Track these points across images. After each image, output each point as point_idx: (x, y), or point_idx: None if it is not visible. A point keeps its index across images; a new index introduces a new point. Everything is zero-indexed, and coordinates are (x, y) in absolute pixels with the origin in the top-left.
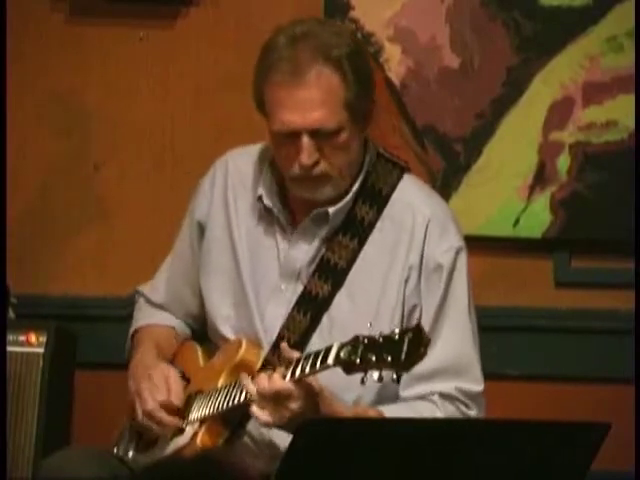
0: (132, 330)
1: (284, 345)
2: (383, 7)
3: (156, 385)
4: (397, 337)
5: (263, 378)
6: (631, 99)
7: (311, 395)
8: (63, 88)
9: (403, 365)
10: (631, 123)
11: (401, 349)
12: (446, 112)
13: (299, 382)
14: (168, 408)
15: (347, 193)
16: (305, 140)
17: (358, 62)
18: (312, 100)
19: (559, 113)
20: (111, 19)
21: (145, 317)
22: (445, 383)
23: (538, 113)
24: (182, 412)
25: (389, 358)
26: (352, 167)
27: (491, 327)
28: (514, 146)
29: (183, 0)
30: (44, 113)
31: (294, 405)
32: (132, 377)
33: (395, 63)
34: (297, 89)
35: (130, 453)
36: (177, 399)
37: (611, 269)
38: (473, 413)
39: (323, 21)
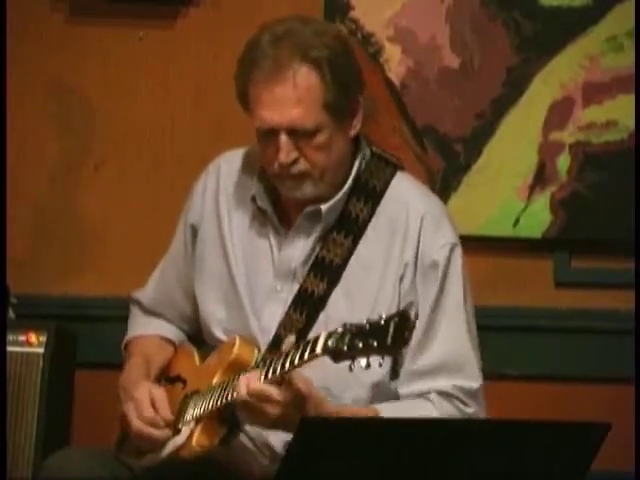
0: (124, 341)
1: (287, 340)
2: (383, 7)
3: (140, 402)
4: (383, 322)
5: (242, 382)
6: (631, 99)
7: (298, 398)
8: (63, 88)
9: (389, 350)
10: (631, 123)
11: (387, 334)
12: (446, 112)
13: (287, 385)
14: (156, 423)
15: (339, 190)
16: (282, 138)
17: (339, 63)
18: (288, 98)
19: (559, 113)
20: (111, 19)
21: (138, 327)
22: (443, 381)
23: (538, 113)
24: (173, 421)
25: (375, 344)
26: (336, 168)
27: (491, 327)
28: (514, 146)
29: (183, 0)
30: (44, 113)
31: (274, 410)
32: (120, 393)
33: (395, 63)
34: (275, 86)
35: (130, 455)
36: (164, 411)
37: (611, 269)
38: (471, 411)
39: (308, 20)
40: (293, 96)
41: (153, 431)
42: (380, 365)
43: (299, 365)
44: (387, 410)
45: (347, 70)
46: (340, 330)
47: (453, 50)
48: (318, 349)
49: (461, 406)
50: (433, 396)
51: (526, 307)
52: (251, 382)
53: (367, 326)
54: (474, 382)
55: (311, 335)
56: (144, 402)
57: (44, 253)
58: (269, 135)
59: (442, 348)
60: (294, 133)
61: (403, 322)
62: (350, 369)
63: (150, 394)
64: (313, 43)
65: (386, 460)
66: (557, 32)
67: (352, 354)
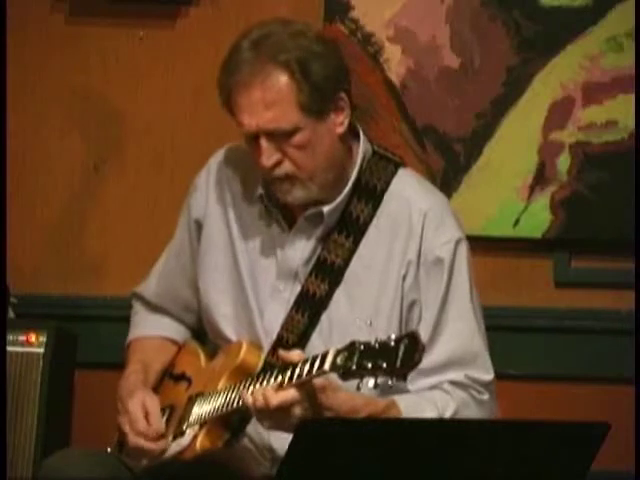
0: (127, 340)
1: (282, 352)
2: (383, 7)
3: (133, 415)
4: (393, 343)
5: (259, 395)
6: (631, 99)
7: (313, 394)
8: (63, 88)
9: (398, 372)
10: (631, 123)
11: (397, 356)
12: (446, 112)
13: (301, 385)
14: (149, 436)
15: (342, 192)
16: (262, 142)
17: (313, 63)
18: (261, 102)
19: (559, 113)
20: (111, 19)
21: (141, 326)
22: (455, 372)
23: (538, 113)
24: (175, 428)
25: (384, 365)
26: (326, 168)
27: (491, 327)
28: (514, 146)
29: (183, 0)
30: (44, 113)
31: (297, 410)
32: (118, 404)
33: (395, 63)
34: (250, 91)
35: (130, 456)
36: (157, 424)
37: (611, 269)
38: (486, 397)
39: (288, 22)
40: (265, 99)
41: (146, 444)
42: (390, 387)
43: (306, 379)
44: (403, 401)
45: (324, 69)
46: (349, 348)
47: (453, 50)
48: (326, 366)
49: (476, 394)
50: (447, 386)
51: (526, 307)
52: (269, 396)
53: (376, 346)
54: (486, 374)
55: (313, 336)
56: (137, 415)
57: (44, 253)
58: (253, 139)
59: (452, 343)
60: (273, 136)
61: (413, 344)
62: (358, 388)
63: (143, 407)
64: (286, 45)
65: (386, 460)
66: (557, 32)
67: (360, 374)
